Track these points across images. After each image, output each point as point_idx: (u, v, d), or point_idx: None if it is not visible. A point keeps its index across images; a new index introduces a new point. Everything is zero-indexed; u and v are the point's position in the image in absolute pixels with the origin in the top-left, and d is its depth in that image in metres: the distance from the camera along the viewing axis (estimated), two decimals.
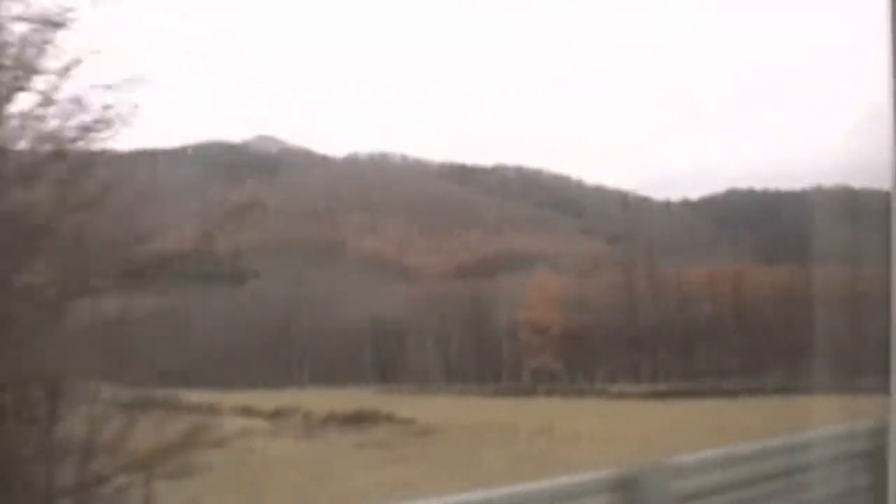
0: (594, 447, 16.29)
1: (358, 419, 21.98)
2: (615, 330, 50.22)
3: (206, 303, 68.95)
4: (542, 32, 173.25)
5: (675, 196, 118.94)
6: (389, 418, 22.07)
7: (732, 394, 34.20)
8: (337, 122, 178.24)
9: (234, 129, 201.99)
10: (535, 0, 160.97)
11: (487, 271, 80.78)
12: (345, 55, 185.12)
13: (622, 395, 34.89)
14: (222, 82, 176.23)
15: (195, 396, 30.59)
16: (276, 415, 21.89)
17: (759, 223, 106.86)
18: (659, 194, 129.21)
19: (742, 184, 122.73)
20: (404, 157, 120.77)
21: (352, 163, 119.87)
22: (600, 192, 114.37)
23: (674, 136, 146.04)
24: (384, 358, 53.41)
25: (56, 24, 12.30)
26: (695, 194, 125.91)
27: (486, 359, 52.73)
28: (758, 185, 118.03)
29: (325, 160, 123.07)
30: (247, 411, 23.73)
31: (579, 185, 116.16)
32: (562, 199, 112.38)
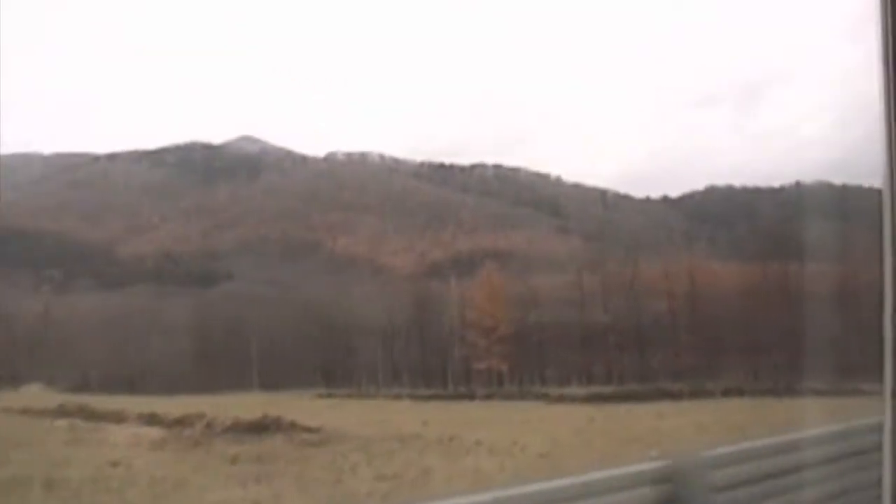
0: (486, 461, 15.87)
1: (259, 428, 21.60)
2: (567, 330, 49.41)
3: (169, 305, 68.59)
4: (523, 32, 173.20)
5: (656, 193, 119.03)
6: (293, 426, 21.70)
7: (678, 396, 33.58)
8: (317, 122, 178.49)
9: (217, 129, 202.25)
10: (514, 1, 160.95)
11: (461, 270, 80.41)
12: (326, 56, 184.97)
13: (562, 399, 34.24)
14: (206, 83, 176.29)
15: (111, 403, 30.35)
16: (177, 423, 21.49)
17: (737, 220, 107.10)
18: (640, 192, 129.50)
19: (722, 181, 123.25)
20: (382, 157, 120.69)
21: (330, 162, 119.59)
22: (579, 190, 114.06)
23: (655, 133, 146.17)
24: (330, 361, 52.84)
25: None
26: (675, 191, 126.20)
27: (434, 362, 52.08)
28: (737, 182, 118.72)
29: (304, 160, 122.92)
30: (151, 419, 23.31)
31: (558, 183, 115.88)
32: (540, 197, 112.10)
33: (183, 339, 50.63)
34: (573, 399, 34.82)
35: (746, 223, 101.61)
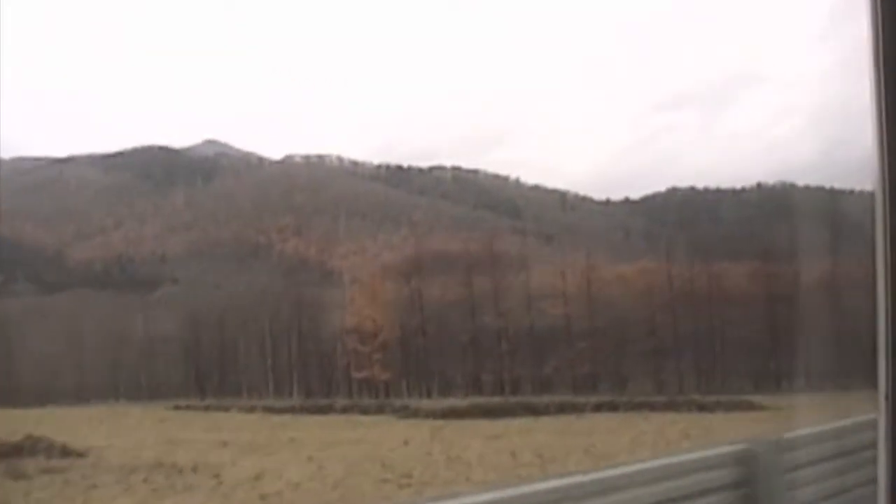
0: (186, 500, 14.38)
1: (13, 451, 20.06)
2: (462, 336, 47.33)
3: (94, 310, 67.13)
4: (490, 35, 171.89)
5: (618, 195, 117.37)
6: (49, 449, 20.14)
7: (543, 412, 31.57)
8: (288, 125, 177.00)
9: (183, 133, 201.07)
10: (477, 2, 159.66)
11: (410, 273, 79.09)
12: (299, 59, 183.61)
13: (418, 413, 32.26)
14: (175, 86, 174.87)
15: None
16: None
17: (696, 221, 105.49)
18: (602, 194, 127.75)
19: (686, 183, 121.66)
20: (341, 159, 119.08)
21: (287, 165, 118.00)
22: (539, 192, 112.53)
23: (623, 135, 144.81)
24: (205, 369, 51.16)
25: None
26: (638, 193, 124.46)
27: (313, 370, 50.16)
28: (699, 184, 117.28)
29: (260, 163, 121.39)
30: None
31: (517, 185, 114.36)
32: (498, 199, 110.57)
33: (76, 346, 49.01)
34: (431, 413, 33.09)
35: (705, 225, 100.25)
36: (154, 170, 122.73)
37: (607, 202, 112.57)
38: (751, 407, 32.51)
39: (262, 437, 24.75)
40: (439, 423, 28.82)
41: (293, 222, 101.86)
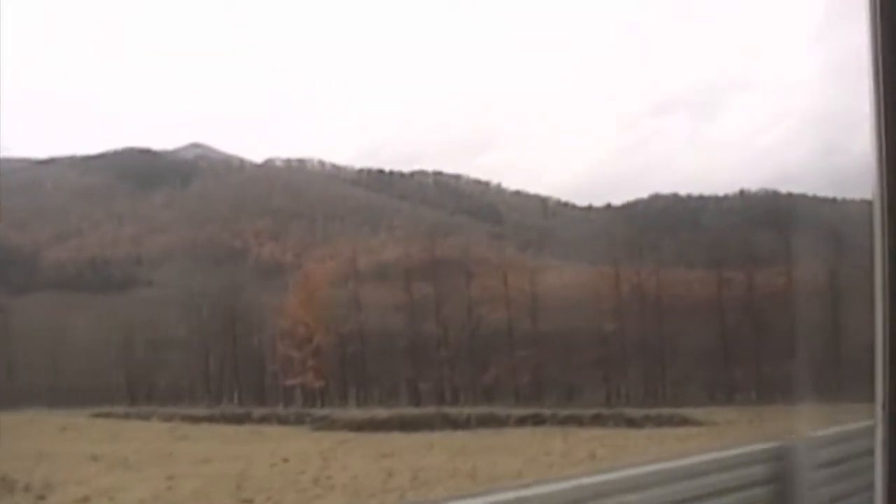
0: None
1: None
2: (402, 343, 46.05)
3: (52, 313, 66.19)
4: (477, 39, 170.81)
5: (600, 201, 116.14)
6: None
7: (463, 425, 30.27)
8: (267, 128, 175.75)
9: (169, 136, 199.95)
10: (460, 4, 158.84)
11: (384, 278, 78.35)
12: (278, 63, 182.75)
13: (333, 425, 31.07)
14: (158, 89, 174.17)
15: None
16: None
17: (677, 228, 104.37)
18: (585, 200, 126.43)
19: (671, 189, 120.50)
20: (322, 163, 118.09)
21: (267, 168, 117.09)
22: (520, 198, 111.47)
23: (604, 141, 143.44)
24: (140, 375, 50.03)
25: None
26: (620, 200, 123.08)
27: (246, 377, 48.79)
28: (682, 191, 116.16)
29: (241, 165, 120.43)
30: None
31: (499, 191, 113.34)
32: (479, 204, 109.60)
33: (21, 349, 47.97)
34: (347, 424, 31.94)
35: (685, 232, 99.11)
36: (134, 172, 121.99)
37: (589, 208, 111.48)
38: (684, 422, 31.37)
39: (147, 451, 23.67)
40: (349, 436, 27.77)
41: (270, 226, 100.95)
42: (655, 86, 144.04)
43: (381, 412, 35.32)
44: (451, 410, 36.13)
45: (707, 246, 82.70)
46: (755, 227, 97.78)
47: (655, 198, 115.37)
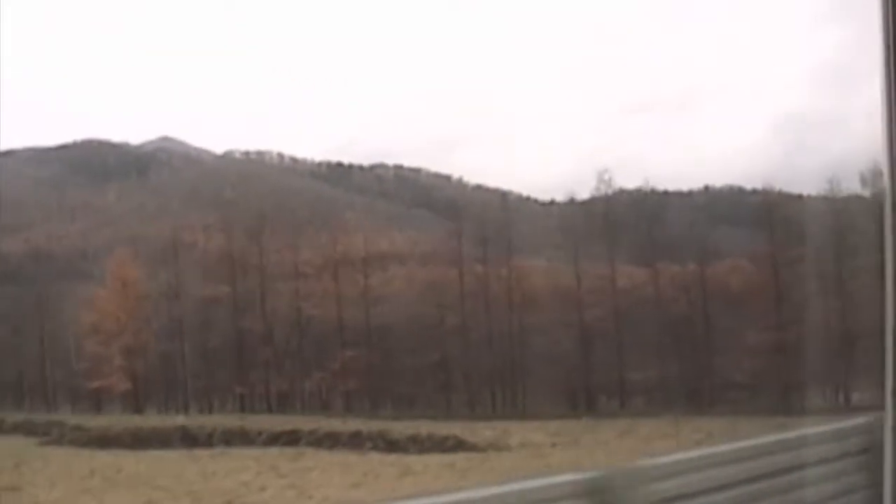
0: None
1: None
2: (223, 341, 42.29)
3: None
4: (455, 35, 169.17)
5: (562, 196, 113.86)
6: None
7: (207, 441, 26.65)
8: (241, 124, 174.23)
9: (137, 130, 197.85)
10: (440, 4, 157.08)
11: (327, 271, 76.58)
12: (250, 60, 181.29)
13: (105, 439, 27.56)
14: (138, 81, 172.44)
15: None
16: None
17: (638, 223, 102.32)
18: (546, 195, 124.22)
19: (633, 184, 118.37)
20: (281, 156, 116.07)
21: (226, 161, 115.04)
22: (481, 192, 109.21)
23: (579, 140, 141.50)
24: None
25: None
26: (583, 195, 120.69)
27: (51, 379, 45.89)
28: (647, 186, 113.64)
29: (199, 157, 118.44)
30: None
31: (459, 185, 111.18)
32: (438, 198, 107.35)
33: None
34: (119, 442, 28.23)
35: (645, 226, 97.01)
36: (91, 164, 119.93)
37: (551, 203, 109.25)
38: (457, 446, 26.99)
39: None
40: (59, 451, 24.17)
41: (220, 218, 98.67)
42: (632, 86, 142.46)
43: (114, 423, 31.89)
44: (195, 423, 32.28)
45: (662, 241, 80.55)
46: (715, 222, 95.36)
47: (620, 193, 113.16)
